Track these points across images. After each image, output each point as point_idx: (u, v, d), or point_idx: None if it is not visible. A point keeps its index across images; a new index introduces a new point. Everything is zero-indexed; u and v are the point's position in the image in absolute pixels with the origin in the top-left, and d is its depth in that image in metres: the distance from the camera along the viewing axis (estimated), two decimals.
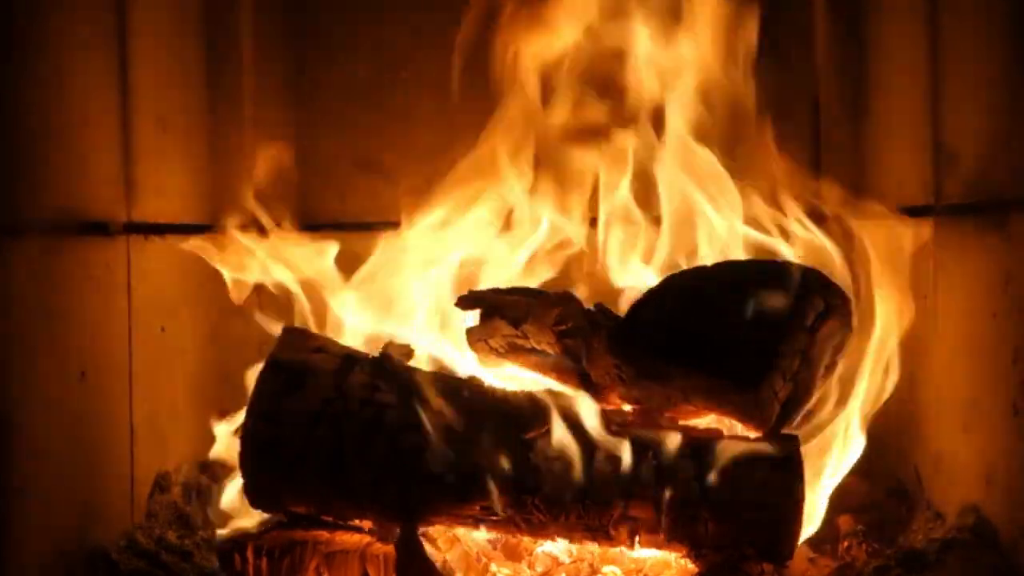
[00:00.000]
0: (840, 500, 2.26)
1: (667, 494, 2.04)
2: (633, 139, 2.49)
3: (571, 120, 2.53)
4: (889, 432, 2.43)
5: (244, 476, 2.13)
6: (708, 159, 2.43)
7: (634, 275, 2.47)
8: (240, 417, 2.20)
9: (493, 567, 2.18)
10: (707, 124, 2.45)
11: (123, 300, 2.35)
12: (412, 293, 2.50)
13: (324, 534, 2.11)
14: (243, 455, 2.12)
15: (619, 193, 2.52)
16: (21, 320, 1.98)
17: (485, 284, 2.48)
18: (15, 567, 1.94)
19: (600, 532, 2.07)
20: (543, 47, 2.49)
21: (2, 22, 1.96)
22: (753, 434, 2.16)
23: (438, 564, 2.06)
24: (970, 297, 2.18)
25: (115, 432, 2.32)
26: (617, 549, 2.13)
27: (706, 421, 2.22)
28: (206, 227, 2.76)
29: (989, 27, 2.12)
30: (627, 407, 2.23)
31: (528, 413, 2.11)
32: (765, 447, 2.09)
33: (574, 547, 2.18)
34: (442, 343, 2.45)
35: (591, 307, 2.32)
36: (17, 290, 1.96)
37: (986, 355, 2.11)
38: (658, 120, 2.49)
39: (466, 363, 2.39)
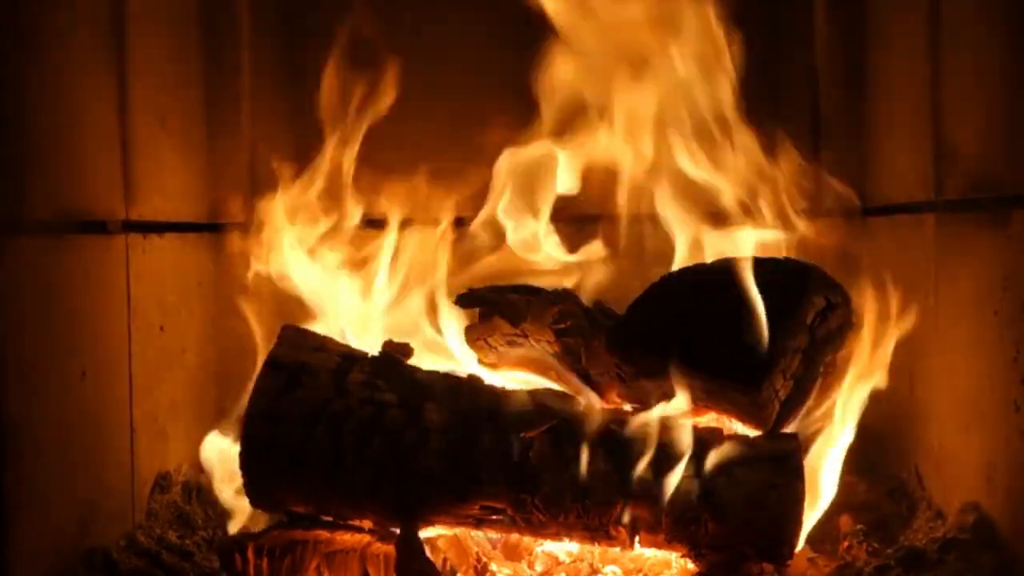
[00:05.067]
0: (840, 500, 2.26)
1: (667, 494, 2.03)
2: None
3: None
4: (889, 432, 2.43)
5: (244, 475, 2.13)
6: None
7: None
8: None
9: (493, 567, 2.18)
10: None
11: (122, 299, 2.35)
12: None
13: (324, 534, 2.11)
14: (243, 454, 2.12)
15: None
16: (20, 319, 1.97)
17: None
18: (16, 566, 1.94)
19: (600, 532, 2.07)
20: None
21: (1, 21, 1.96)
22: (753, 433, 2.16)
23: (438, 564, 2.06)
24: (971, 295, 2.18)
25: (115, 432, 2.32)
26: (617, 549, 2.13)
27: (706, 420, 2.22)
28: (205, 226, 2.76)
29: (990, 23, 2.12)
30: (627, 406, 2.23)
31: (527, 412, 2.11)
32: (765, 446, 2.09)
33: (574, 547, 2.18)
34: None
35: (590, 305, 2.32)
36: (16, 289, 1.96)
37: (987, 353, 2.10)
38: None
39: (466, 362, 2.39)
